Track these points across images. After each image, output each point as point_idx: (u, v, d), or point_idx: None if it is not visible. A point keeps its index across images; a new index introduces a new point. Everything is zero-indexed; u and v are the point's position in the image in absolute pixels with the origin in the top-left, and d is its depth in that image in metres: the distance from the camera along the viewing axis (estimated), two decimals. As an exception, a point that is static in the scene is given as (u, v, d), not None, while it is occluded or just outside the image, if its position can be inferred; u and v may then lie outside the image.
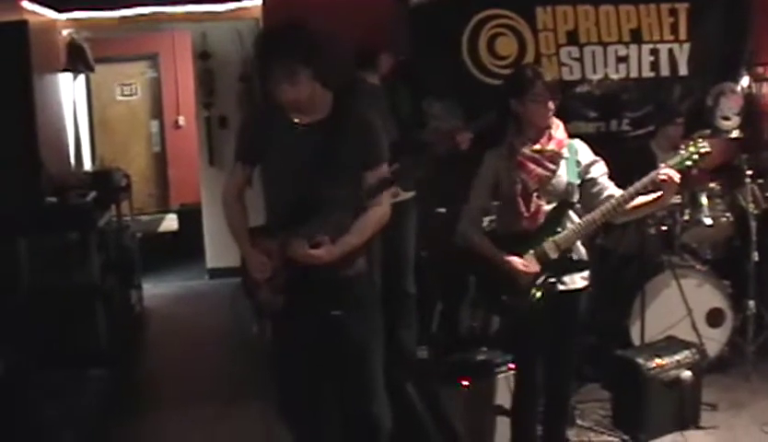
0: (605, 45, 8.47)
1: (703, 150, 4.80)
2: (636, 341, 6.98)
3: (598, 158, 5.12)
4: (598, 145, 5.18)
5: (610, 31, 8.47)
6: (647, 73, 8.56)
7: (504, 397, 5.80)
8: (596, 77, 8.44)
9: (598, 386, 6.85)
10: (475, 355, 6.08)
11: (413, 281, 7.21)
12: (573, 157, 5.06)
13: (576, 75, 8.38)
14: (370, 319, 4.69)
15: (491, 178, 5.18)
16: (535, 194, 5.01)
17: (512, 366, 5.76)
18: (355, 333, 4.61)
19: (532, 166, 5.01)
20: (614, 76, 8.47)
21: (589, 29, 8.44)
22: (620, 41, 8.50)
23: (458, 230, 5.34)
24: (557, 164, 5.04)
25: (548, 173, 5.02)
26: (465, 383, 5.84)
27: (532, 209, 5.03)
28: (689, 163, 4.83)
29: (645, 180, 4.81)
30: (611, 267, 7.39)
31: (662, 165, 4.82)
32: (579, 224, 5.01)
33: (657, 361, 6.26)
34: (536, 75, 4.98)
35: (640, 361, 6.26)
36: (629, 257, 7.36)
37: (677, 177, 4.75)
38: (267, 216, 4.71)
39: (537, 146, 5.03)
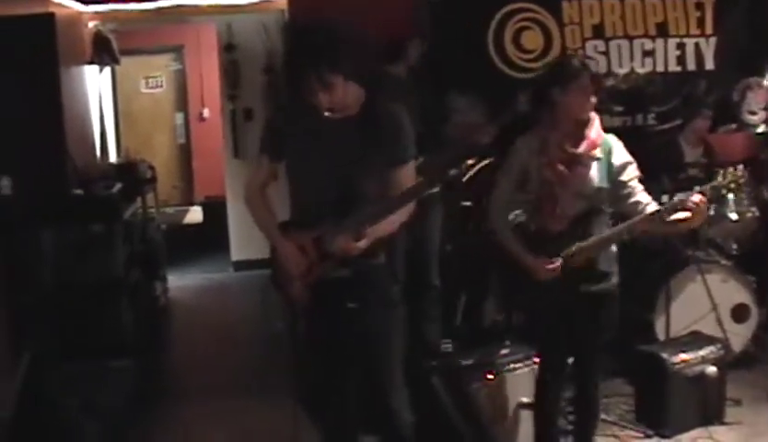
0: (631, 39, 8.48)
1: (741, 180, 4.78)
2: (661, 336, 6.97)
3: (631, 160, 5.04)
4: (623, 139, 5.15)
5: (636, 25, 8.47)
6: (674, 67, 8.57)
7: (528, 391, 5.81)
8: (622, 71, 8.44)
9: (622, 380, 6.84)
10: (499, 349, 6.08)
11: (437, 273, 7.23)
12: (606, 158, 4.99)
13: (602, 69, 8.36)
14: (390, 314, 4.65)
15: (518, 169, 5.12)
16: (566, 196, 4.97)
17: (537, 359, 5.78)
18: (373, 327, 4.59)
19: (561, 168, 4.96)
20: (640, 70, 8.47)
21: (615, 22, 8.45)
22: (646, 35, 8.51)
23: (489, 219, 5.34)
24: (588, 166, 4.98)
25: (575, 176, 4.97)
26: (489, 377, 5.85)
27: (558, 212, 5.00)
28: (724, 192, 4.81)
29: (677, 201, 4.77)
30: (636, 261, 7.38)
31: (696, 188, 4.80)
32: (606, 234, 4.99)
33: (682, 356, 6.25)
34: (584, 66, 4.93)
35: (665, 356, 6.25)
36: (654, 251, 7.34)
37: (706, 205, 4.75)
38: (295, 211, 4.69)
39: (568, 147, 4.96)
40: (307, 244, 4.52)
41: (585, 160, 4.98)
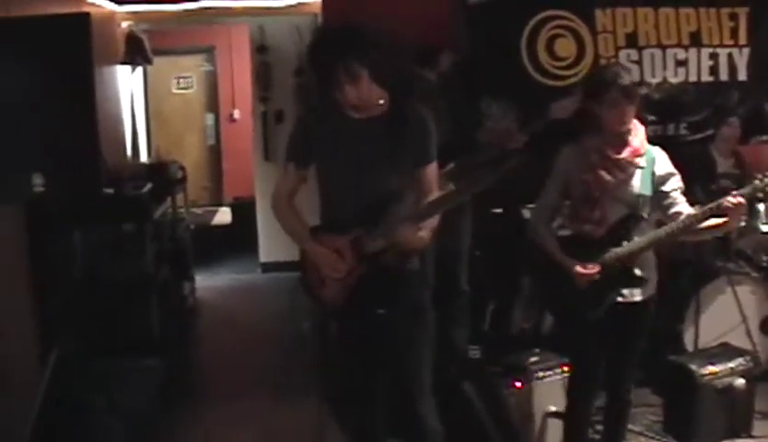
0: (664, 48, 8.43)
1: None
2: (690, 346, 6.95)
3: (674, 171, 5.05)
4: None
5: (669, 34, 8.43)
6: (706, 77, 8.52)
7: (556, 400, 5.80)
8: (654, 81, 8.41)
9: (649, 390, 6.81)
10: (528, 356, 6.08)
11: (466, 279, 7.21)
12: (649, 168, 5.00)
13: (635, 78, 8.29)
14: (420, 319, 4.68)
15: (562, 175, 5.17)
16: (606, 201, 5.00)
17: (565, 368, 5.77)
18: (403, 333, 4.62)
19: (601, 171, 4.98)
20: (673, 80, 8.43)
21: (649, 31, 8.40)
22: (679, 45, 8.46)
23: (529, 224, 5.42)
24: (628, 173, 5.00)
25: (615, 181, 4.99)
26: (517, 384, 5.84)
27: (596, 216, 5.03)
28: (760, 194, 4.79)
29: (713, 204, 4.75)
30: (666, 272, 7.35)
31: (733, 192, 4.78)
32: (644, 239, 4.98)
33: (711, 368, 6.22)
34: (614, 79, 4.90)
35: (693, 367, 6.23)
36: (684, 262, 7.31)
37: (744, 206, 4.72)
38: (325, 212, 4.71)
39: (610, 152, 4.99)
40: (343, 246, 4.54)
41: (626, 167, 5.00)
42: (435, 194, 4.55)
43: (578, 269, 5.02)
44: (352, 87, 4.37)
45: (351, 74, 4.33)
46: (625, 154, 5.00)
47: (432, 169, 4.61)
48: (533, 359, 6.03)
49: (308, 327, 7.66)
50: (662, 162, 5.07)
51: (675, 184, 5.04)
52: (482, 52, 8.17)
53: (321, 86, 4.46)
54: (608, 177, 4.99)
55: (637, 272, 5.06)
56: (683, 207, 4.97)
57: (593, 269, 5.00)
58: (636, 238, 5.01)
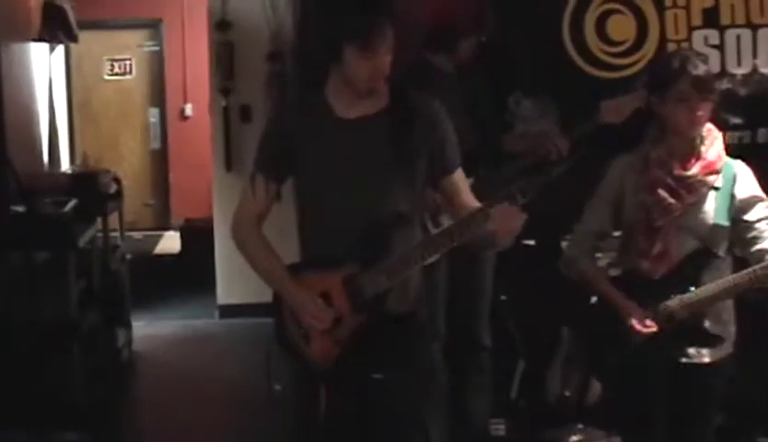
0: (755, 28, 8.39)
1: None
2: (790, 428, 6.95)
3: (762, 196, 4.98)
4: (741, 161, 5.13)
5: (762, 9, 8.38)
6: (811, 67, 8.50)
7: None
8: (741, 71, 8.38)
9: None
10: (569, 434, 6.08)
11: (488, 331, 7.20)
12: (727, 188, 4.94)
13: (715, 69, 8.28)
14: (427, 384, 4.65)
15: (615, 193, 5.13)
16: (670, 231, 4.93)
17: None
18: (405, 402, 4.60)
19: (663, 193, 4.92)
20: (765, 70, 8.40)
21: (735, 5, 8.34)
22: (775, 24, 8.42)
23: (564, 255, 5.39)
24: (699, 195, 4.93)
25: (680, 206, 4.92)
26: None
27: (656, 249, 4.96)
28: None
29: None
30: (755, 324, 7.34)
31: None
32: (719, 285, 4.89)
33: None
34: (684, 66, 4.86)
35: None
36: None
37: None
38: (308, 244, 4.69)
39: (676, 168, 4.92)
40: (333, 288, 4.50)
41: (696, 187, 4.94)
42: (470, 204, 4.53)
43: (634, 322, 4.96)
44: (388, 54, 4.38)
45: (391, 37, 4.35)
46: (695, 170, 4.94)
47: (460, 175, 4.64)
48: (576, 437, 6.04)
49: (281, 391, 7.64)
50: (745, 181, 5.01)
51: (762, 212, 4.97)
52: (512, 34, 8.16)
53: (327, 59, 4.46)
54: (670, 199, 4.92)
55: (708, 326, 5.01)
56: None
57: (650, 326, 4.93)
58: (709, 284, 4.92)
